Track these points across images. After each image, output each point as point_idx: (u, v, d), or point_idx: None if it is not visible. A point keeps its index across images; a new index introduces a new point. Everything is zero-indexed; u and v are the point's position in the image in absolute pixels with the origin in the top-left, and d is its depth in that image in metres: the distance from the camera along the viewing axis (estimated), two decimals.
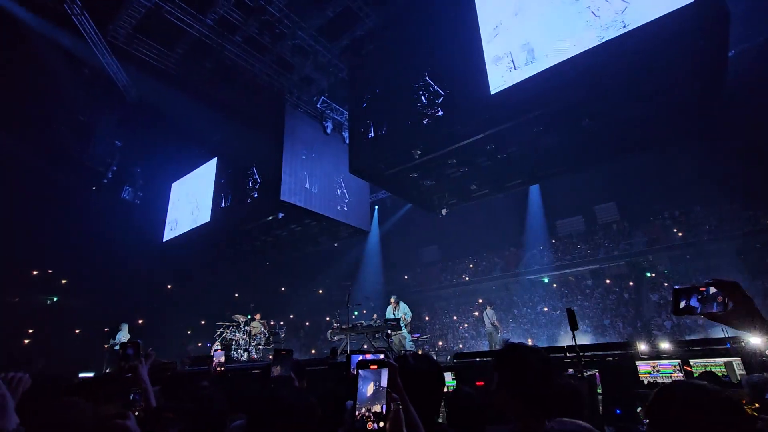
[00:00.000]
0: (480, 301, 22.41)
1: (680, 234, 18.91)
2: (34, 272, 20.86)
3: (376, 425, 1.16)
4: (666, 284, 17.81)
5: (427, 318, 23.36)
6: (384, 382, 1.24)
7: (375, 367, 1.26)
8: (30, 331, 19.38)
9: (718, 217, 18.19)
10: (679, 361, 4.20)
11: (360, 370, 1.24)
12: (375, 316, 9.59)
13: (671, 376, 4.18)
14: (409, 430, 1.51)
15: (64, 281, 21.78)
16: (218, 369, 3.29)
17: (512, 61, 8.18)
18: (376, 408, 1.20)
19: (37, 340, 18.74)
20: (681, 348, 4.41)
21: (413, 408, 1.64)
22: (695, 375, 3.91)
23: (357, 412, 1.18)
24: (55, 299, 21.63)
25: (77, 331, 19.75)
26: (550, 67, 7.58)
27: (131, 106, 14.19)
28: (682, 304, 1.41)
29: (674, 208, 20.01)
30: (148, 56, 12.00)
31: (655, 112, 8.30)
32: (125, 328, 11.01)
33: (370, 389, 1.23)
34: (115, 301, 21.32)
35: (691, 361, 4.15)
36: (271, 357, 10.63)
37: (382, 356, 1.82)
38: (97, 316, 19.83)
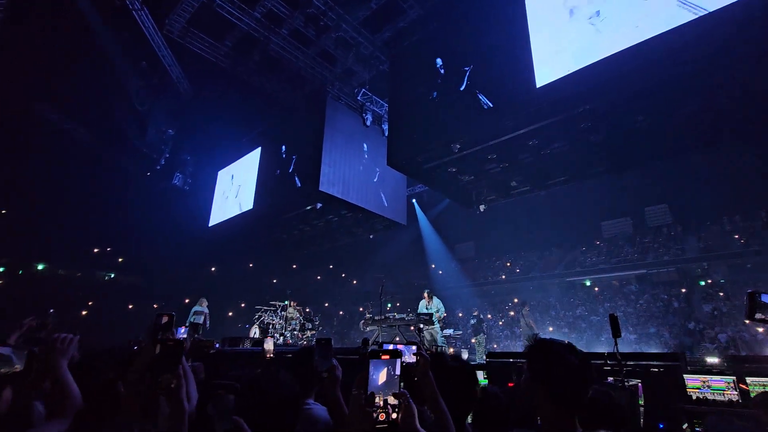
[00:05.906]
0: (516, 300, 21.89)
1: (742, 241, 17.41)
2: (95, 250, 22.64)
3: (387, 416, 1.11)
4: (722, 294, 16.54)
5: (460, 315, 23.10)
6: (398, 371, 1.20)
7: (387, 357, 1.22)
8: (90, 303, 21.13)
9: None
10: (734, 378, 3.89)
11: (372, 359, 1.21)
12: (409, 310, 9.59)
13: (724, 394, 3.89)
14: (438, 425, 1.51)
15: (120, 259, 23.51)
16: (268, 355, 3.44)
17: (561, 52, 7.82)
18: (389, 399, 1.16)
19: (94, 313, 20.38)
20: (736, 363, 4.08)
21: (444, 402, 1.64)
22: (752, 394, 3.62)
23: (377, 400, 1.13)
24: (112, 275, 23.42)
25: (130, 306, 21.28)
26: (602, 59, 7.16)
27: (183, 97, 14.97)
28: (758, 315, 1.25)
29: (735, 212, 18.43)
30: (200, 49, 12.58)
31: (719, 106, 7.63)
32: (204, 302, 11.38)
33: (381, 378, 1.18)
34: (165, 281, 22.81)
35: (748, 379, 3.83)
36: (305, 343, 10.90)
37: (414, 348, 1.83)
38: (148, 294, 21.30)
